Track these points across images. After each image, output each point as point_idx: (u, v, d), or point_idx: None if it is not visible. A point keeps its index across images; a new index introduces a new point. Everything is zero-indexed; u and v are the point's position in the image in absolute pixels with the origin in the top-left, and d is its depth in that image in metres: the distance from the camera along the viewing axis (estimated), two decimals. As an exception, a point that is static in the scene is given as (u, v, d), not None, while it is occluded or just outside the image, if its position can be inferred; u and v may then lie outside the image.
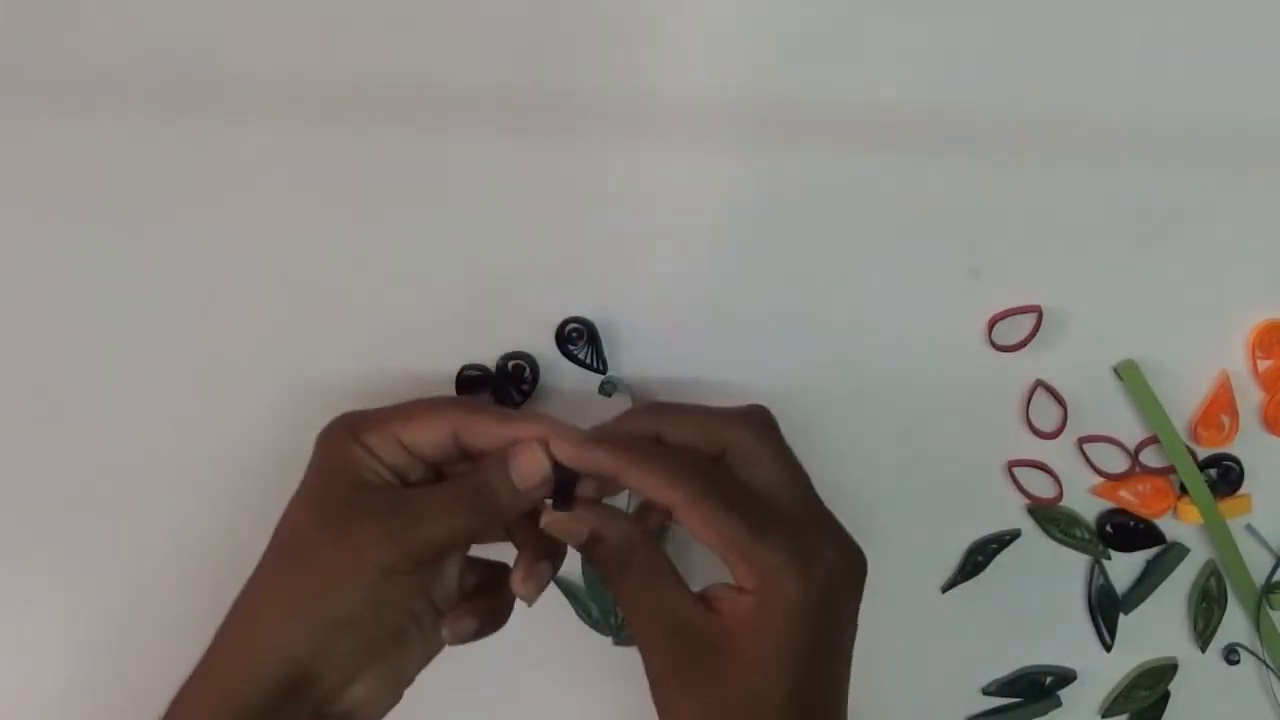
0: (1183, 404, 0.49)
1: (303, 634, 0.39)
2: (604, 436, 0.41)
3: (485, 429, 0.41)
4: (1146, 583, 0.50)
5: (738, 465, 0.41)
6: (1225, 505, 0.49)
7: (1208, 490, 0.49)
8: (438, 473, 0.42)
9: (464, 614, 0.43)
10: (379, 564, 0.38)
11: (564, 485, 0.41)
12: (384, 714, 0.42)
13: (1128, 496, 0.49)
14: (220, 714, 0.38)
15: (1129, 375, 0.48)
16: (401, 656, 0.42)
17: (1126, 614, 0.50)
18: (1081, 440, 0.49)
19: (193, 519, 0.49)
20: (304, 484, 0.41)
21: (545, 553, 0.43)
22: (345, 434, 0.41)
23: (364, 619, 0.39)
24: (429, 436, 0.41)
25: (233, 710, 0.38)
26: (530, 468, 0.40)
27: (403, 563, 0.39)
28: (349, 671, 0.40)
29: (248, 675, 0.39)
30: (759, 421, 0.42)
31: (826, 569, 0.38)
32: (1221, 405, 0.49)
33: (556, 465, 0.40)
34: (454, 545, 0.41)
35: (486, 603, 0.44)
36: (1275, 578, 0.50)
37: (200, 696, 0.39)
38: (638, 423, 0.42)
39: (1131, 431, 0.49)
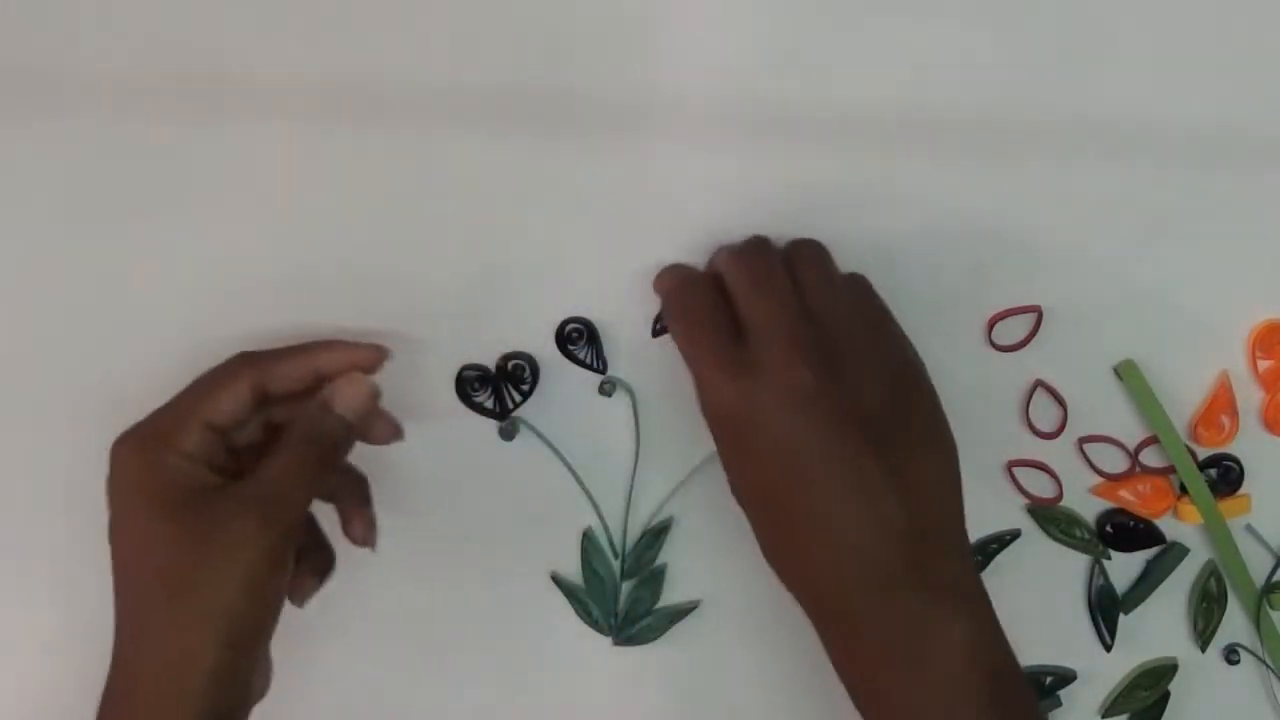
0: (1183, 404, 0.49)
1: (222, 660, 0.39)
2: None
3: (287, 372, 0.42)
4: (1146, 583, 0.50)
5: None
6: (1225, 505, 0.49)
7: (1208, 490, 0.49)
8: (229, 440, 0.42)
9: (306, 576, 0.44)
10: (264, 556, 0.39)
11: None
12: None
13: (1128, 496, 0.49)
14: None
15: (1129, 375, 0.48)
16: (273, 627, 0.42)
17: (1126, 614, 0.50)
18: (1081, 440, 0.49)
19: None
20: (133, 511, 0.40)
21: (362, 497, 0.45)
22: (155, 448, 0.40)
23: (265, 611, 0.40)
24: (233, 405, 0.41)
25: None
26: (356, 396, 0.42)
27: (282, 544, 0.39)
28: (255, 668, 0.41)
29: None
30: (808, 247, 0.44)
31: (724, 376, 0.40)
32: (1222, 405, 0.49)
33: None
34: (310, 503, 0.41)
35: (317, 558, 0.45)
36: (1275, 578, 0.50)
37: None
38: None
39: (1131, 431, 0.49)
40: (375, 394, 0.43)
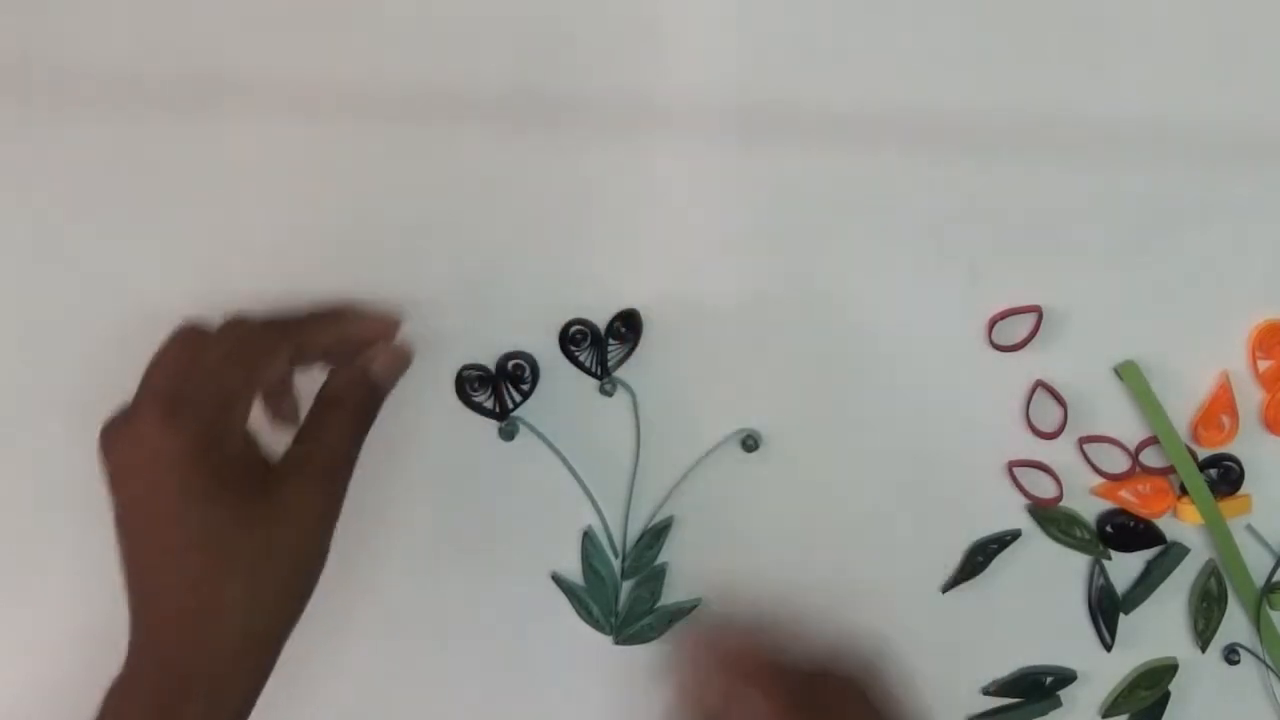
0: (1183, 404, 0.49)
1: (283, 637, 0.41)
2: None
3: (320, 340, 0.43)
4: (1146, 583, 0.50)
5: None
6: (1225, 505, 0.49)
7: (1208, 490, 0.49)
8: None
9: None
10: (328, 521, 0.41)
11: None
12: None
13: (1128, 497, 0.49)
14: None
15: (1130, 376, 0.48)
16: None
17: (1126, 614, 0.50)
18: (1082, 440, 0.49)
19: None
20: (182, 500, 0.39)
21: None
22: (209, 430, 0.39)
23: (321, 569, 0.41)
24: (275, 376, 0.42)
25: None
26: (396, 366, 0.44)
27: (340, 505, 0.41)
28: None
29: (239, 696, 0.40)
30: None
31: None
32: (1222, 405, 0.49)
33: None
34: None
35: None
36: (1276, 578, 0.50)
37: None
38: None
39: (1131, 431, 0.49)
40: (410, 361, 0.45)
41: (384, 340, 0.44)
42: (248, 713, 0.40)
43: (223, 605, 0.39)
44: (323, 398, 0.43)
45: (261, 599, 0.39)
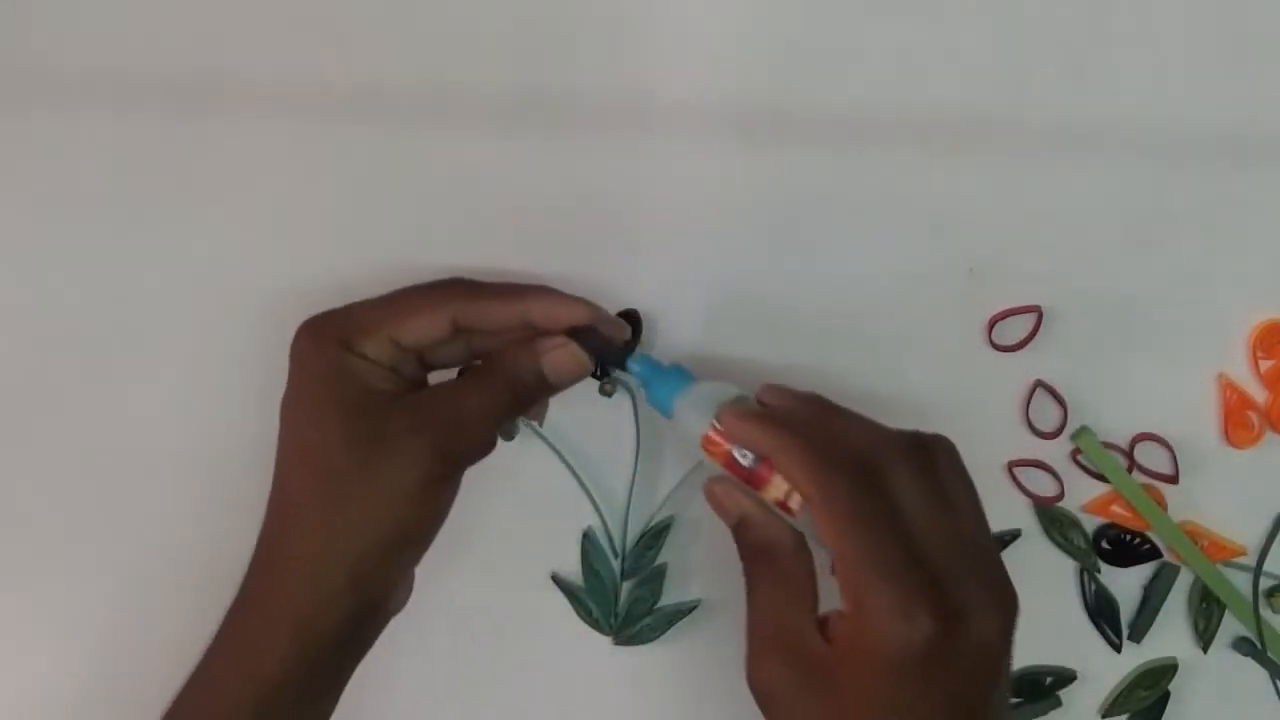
0: (1182, 405, 0.49)
1: (368, 563, 0.38)
2: (765, 413, 0.39)
3: (494, 313, 0.40)
4: (1149, 607, 0.50)
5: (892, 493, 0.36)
6: (1218, 549, 0.49)
7: (1189, 541, 0.49)
8: (422, 359, 0.41)
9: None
10: (430, 476, 0.38)
11: (604, 364, 0.41)
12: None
13: (1120, 511, 0.49)
14: (297, 655, 0.38)
15: (1086, 444, 0.48)
16: (428, 543, 0.41)
17: (1138, 642, 0.50)
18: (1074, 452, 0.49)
19: (190, 519, 0.49)
20: (308, 401, 0.39)
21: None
22: (332, 345, 0.39)
23: (418, 530, 0.39)
24: (427, 331, 0.40)
25: (308, 648, 0.38)
26: (567, 366, 0.40)
27: (452, 470, 0.39)
28: (401, 579, 0.40)
29: (318, 612, 0.38)
30: (916, 455, 0.37)
31: (940, 628, 0.34)
32: (1245, 403, 0.49)
33: (599, 343, 0.40)
34: (490, 441, 0.40)
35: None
36: (1265, 585, 0.50)
37: (267, 638, 0.38)
38: (801, 410, 0.39)
39: (1131, 432, 0.49)
40: (586, 370, 0.41)
41: (587, 324, 0.41)
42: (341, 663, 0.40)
43: (313, 519, 0.38)
44: (486, 362, 0.40)
45: (350, 525, 0.38)
